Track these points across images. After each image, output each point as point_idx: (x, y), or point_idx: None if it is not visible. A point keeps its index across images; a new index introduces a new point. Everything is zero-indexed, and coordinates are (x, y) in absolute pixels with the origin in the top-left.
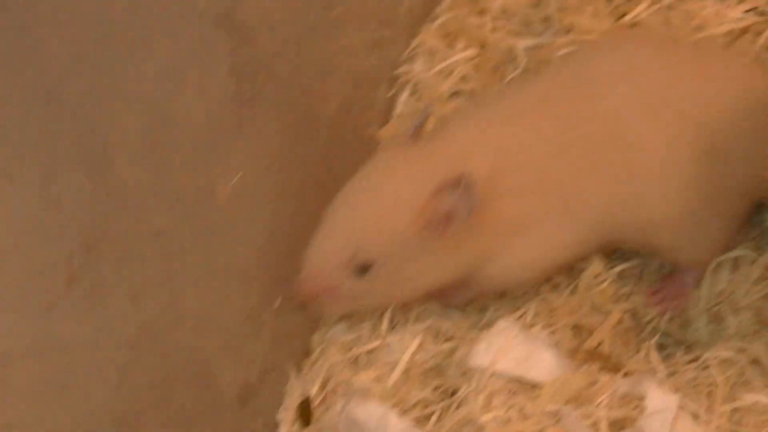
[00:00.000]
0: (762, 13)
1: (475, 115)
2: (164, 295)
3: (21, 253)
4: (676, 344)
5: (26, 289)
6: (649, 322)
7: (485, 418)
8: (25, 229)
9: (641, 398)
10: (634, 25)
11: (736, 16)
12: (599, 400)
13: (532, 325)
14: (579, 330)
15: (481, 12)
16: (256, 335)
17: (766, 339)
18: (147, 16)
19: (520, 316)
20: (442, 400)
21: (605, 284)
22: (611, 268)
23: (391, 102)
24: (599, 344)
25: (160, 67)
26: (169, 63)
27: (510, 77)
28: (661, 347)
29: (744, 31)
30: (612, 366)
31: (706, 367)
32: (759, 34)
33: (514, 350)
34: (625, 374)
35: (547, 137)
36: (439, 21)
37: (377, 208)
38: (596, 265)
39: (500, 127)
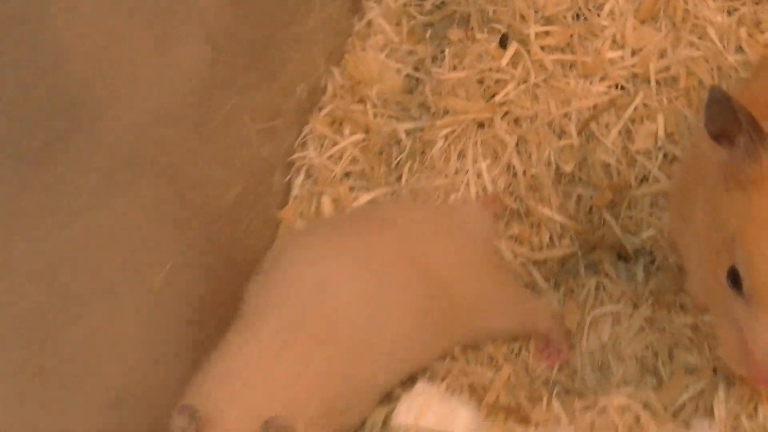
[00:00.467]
0: (623, 88)
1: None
2: None
3: None
4: (566, 393)
5: None
6: (539, 376)
7: None
8: None
9: None
10: (503, 104)
11: (600, 91)
12: None
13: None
14: (475, 389)
15: (361, 100)
16: None
17: (653, 384)
18: None
19: (428, 377)
20: None
21: (498, 342)
22: None
23: (288, 186)
24: (497, 399)
25: None
26: None
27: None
28: (560, 391)
29: (610, 104)
30: (522, 418)
31: (603, 412)
32: (623, 107)
33: (434, 408)
34: (535, 425)
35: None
36: (325, 110)
37: None
38: None
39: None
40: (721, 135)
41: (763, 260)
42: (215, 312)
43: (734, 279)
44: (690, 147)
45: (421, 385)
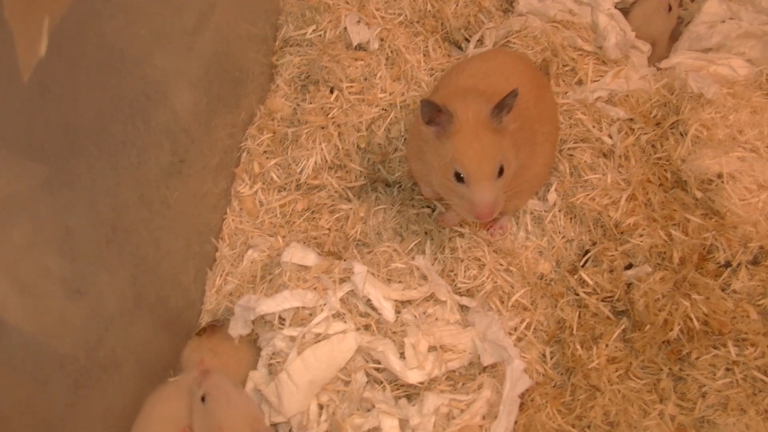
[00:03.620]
0: (385, 110)
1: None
2: None
3: None
4: (362, 245)
5: None
6: (350, 237)
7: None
8: None
9: (352, 269)
10: (332, 117)
11: (375, 111)
12: (335, 271)
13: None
14: (318, 244)
15: (272, 119)
16: None
17: (399, 240)
18: None
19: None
20: None
21: (328, 217)
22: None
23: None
24: (329, 248)
25: None
26: None
27: None
28: (359, 245)
29: (380, 116)
30: (338, 257)
31: (374, 253)
32: (385, 118)
33: (298, 253)
34: (345, 260)
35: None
36: (255, 124)
37: None
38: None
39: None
40: (429, 121)
41: (467, 162)
42: None
43: (458, 177)
44: (411, 132)
45: (293, 243)
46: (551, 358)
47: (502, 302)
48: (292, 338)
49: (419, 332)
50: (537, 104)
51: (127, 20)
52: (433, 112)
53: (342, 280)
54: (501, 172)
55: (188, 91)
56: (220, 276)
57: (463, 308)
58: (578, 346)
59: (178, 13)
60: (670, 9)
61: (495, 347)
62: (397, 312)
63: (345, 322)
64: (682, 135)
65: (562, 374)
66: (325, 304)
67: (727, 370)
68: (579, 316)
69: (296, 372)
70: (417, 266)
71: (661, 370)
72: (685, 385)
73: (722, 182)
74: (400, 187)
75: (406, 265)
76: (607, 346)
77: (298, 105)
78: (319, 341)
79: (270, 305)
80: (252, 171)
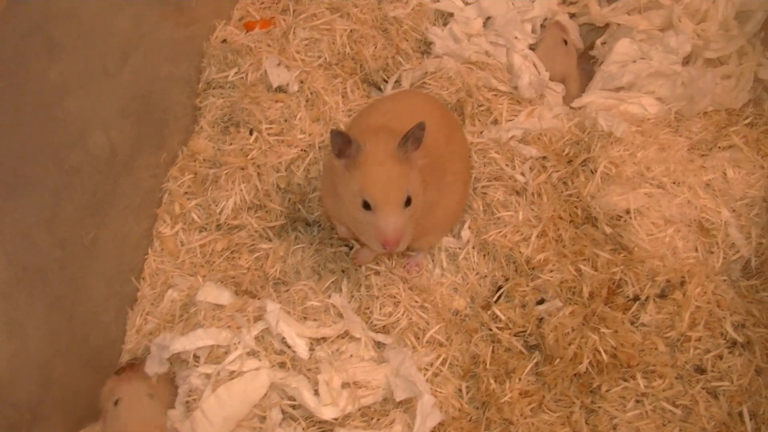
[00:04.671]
0: (304, 150)
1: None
2: None
3: None
4: (280, 284)
5: None
6: (269, 275)
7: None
8: None
9: (265, 307)
10: (252, 159)
11: (294, 152)
12: (249, 309)
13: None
14: (236, 283)
15: (194, 160)
16: None
17: (316, 278)
18: None
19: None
20: None
21: (247, 255)
22: None
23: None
24: (246, 288)
25: None
26: None
27: None
28: (278, 284)
29: (299, 157)
30: (253, 296)
31: (291, 292)
32: (304, 159)
33: (213, 292)
34: (258, 298)
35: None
36: (178, 165)
37: None
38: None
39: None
40: (339, 153)
41: (374, 190)
42: None
43: (366, 205)
44: (325, 169)
45: (208, 283)
46: (467, 393)
47: (418, 338)
48: (208, 376)
49: (332, 369)
50: (447, 143)
51: (48, 59)
52: (343, 144)
53: (256, 319)
54: (409, 202)
55: (106, 132)
56: (141, 315)
57: (379, 345)
58: (492, 381)
59: (99, 54)
60: (566, 43)
61: (407, 383)
62: (312, 349)
63: (260, 359)
64: (592, 172)
65: (477, 408)
66: (239, 342)
67: (637, 401)
68: (492, 351)
69: (210, 409)
70: (333, 304)
71: (573, 403)
72: (596, 418)
73: (630, 218)
74: (320, 226)
75: (321, 303)
76: (519, 380)
77: (220, 147)
78: (234, 378)
79: (183, 343)
80: (173, 212)
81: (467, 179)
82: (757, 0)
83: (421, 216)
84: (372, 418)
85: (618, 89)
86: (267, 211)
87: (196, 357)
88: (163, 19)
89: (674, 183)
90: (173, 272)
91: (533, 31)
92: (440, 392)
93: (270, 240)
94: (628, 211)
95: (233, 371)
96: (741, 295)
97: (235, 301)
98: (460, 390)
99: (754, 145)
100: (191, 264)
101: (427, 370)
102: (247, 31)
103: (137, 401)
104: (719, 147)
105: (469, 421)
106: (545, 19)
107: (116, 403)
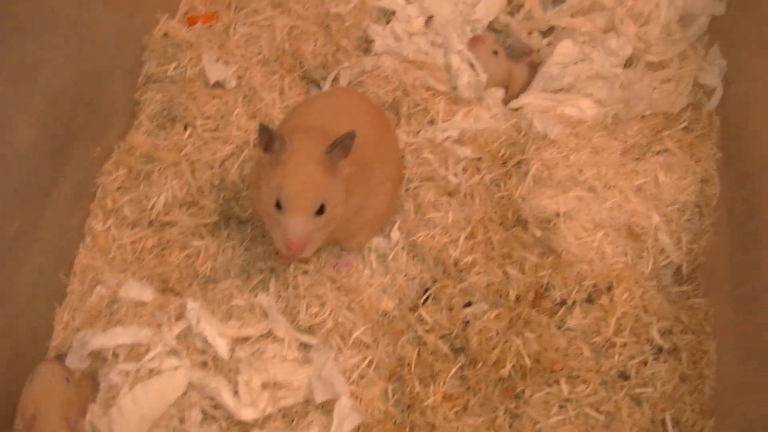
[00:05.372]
0: (239, 147)
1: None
2: None
3: None
4: (209, 282)
5: None
6: (198, 273)
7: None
8: None
9: (185, 305)
10: (185, 154)
11: (229, 149)
12: (170, 307)
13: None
14: (162, 280)
15: (131, 154)
16: None
17: (244, 278)
18: None
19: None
20: None
21: (175, 250)
22: None
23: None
24: (172, 285)
25: None
26: None
27: None
28: (209, 281)
29: (233, 154)
30: (177, 293)
31: (217, 290)
32: (238, 155)
33: (135, 290)
34: (181, 296)
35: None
36: (112, 159)
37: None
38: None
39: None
40: (266, 147)
41: (288, 191)
42: None
43: (278, 205)
44: (256, 158)
45: (130, 279)
46: (393, 396)
47: (344, 339)
48: (127, 373)
49: (252, 369)
50: (378, 143)
51: None
52: (270, 139)
53: (178, 317)
54: (323, 210)
55: (31, 124)
56: (69, 311)
57: (305, 346)
58: (417, 384)
59: (19, 41)
60: (496, 53)
61: (327, 384)
62: (233, 349)
63: (180, 358)
64: (524, 174)
65: (402, 411)
66: (159, 340)
67: (560, 407)
68: (418, 354)
69: (127, 407)
70: (258, 303)
71: (497, 407)
72: (520, 423)
73: (560, 221)
74: (253, 224)
75: (246, 303)
76: (444, 383)
77: (155, 142)
78: (152, 377)
79: (102, 340)
80: (106, 207)
81: (398, 180)
82: (701, 4)
83: (350, 217)
84: (293, 420)
85: (558, 91)
86: (200, 208)
87: (115, 354)
88: (106, 7)
89: (605, 186)
90: (103, 268)
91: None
92: (365, 394)
93: (202, 237)
94: (558, 215)
95: (152, 369)
96: (671, 301)
97: (156, 299)
98: (385, 392)
99: (687, 149)
100: (122, 260)
101: (353, 371)
102: (189, 26)
103: (51, 379)
104: (653, 151)
105: (394, 423)
106: (490, 22)
107: (31, 379)
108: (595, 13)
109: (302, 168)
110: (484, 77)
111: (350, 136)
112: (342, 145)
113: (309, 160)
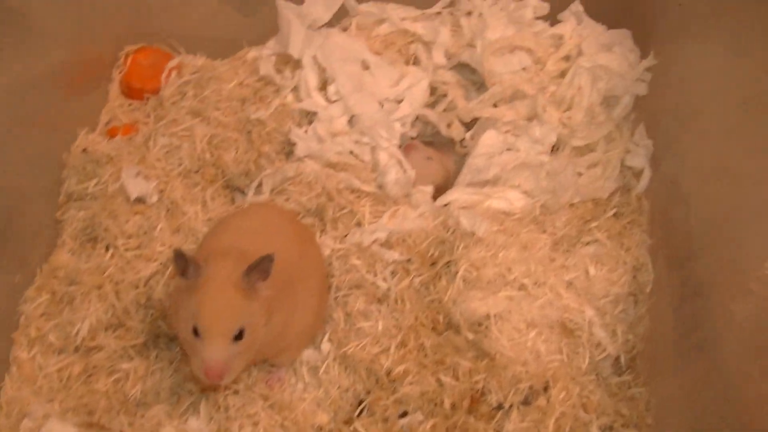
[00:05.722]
0: (163, 264)
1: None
2: None
3: None
4: (142, 405)
5: None
6: (131, 397)
7: None
8: None
9: None
10: (108, 276)
11: (154, 266)
12: None
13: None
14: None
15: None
16: None
17: (173, 401)
18: None
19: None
20: None
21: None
22: None
23: None
24: (98, 417)
25: None
26: None
27: None
28: (140, 406)
29: (158, 272)
30: (102, 427)
31: (145, 417)
32: (163, 273)
33: (56, 430)
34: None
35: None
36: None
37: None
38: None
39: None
40: (182, 273)
41: (204, 317)
42: None
43: (195, 331)
44: (173, 286)
45: (51, 419)
46: None
47: None
48: None
49: None
50: (300, 259)
51: None
52: (185, 264)
53: None
54: (241, 335)
55: None
56: None
57: None
58: None
59: None
60: (430, 158)
61: None
62: None
63: None
64: (454, 275)
65: None
66: None
67: None
68: None
69: None
70: (188, 431)
71: None
72: None
73: (491, 323)
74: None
75: (176, 430)
76: None
77: (77, 264)
78: None
79: None
80: (30, 335)
81: (324, 292)
82: (623, 85)
83: (276, 335)
84: None
85: (485, 183)
86: (127, 330)
87: None
88: (23, 127)
89: (536, 284)
90: (30, 399)
91: (402, 126)
92: None
93: (131, 359)
94: (489, 317)
95: None
96: (611, 393)
97: None
98: None
99: (617, 239)
100: (49, 389)
101: None
102: (110, 138)
103: None
104: (583, 242)
105: None
106: (415, 118)
107: None
108: (517, 101)
109: (219, 294)
110: (412, 173)
111: (269, 259)
112: (260, 269)
113: (226, 285)
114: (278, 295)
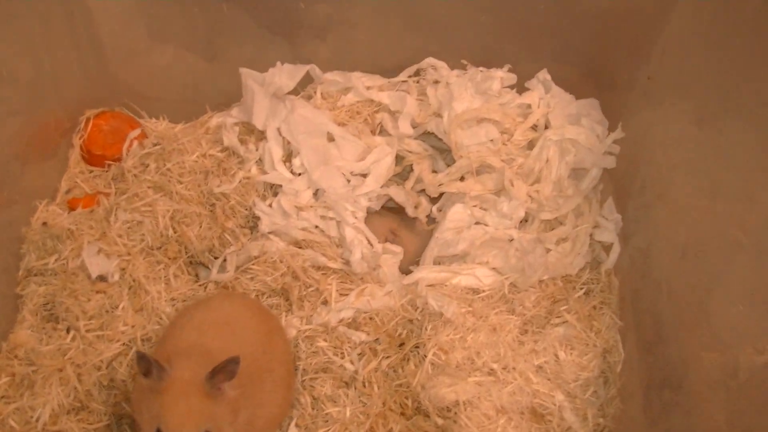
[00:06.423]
0: (125, 345)
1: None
2: None
3: None
4: None
5: None
6: None
7: None
8: None
9: None
10: (70, 358)
11: (117, 347)
12: None
13: None
14: None
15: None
16: None
17: None
18: None
19: None
20: None
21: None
22: None
23: None
24: None
25: None
26: None
27: None
28: None
29: (121, 353)
30: None
31: None
32: (127, 354)
33: None
34: None
35: None
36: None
37: None
38: None
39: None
40: (146, 373)
41: (169, 422)
42: None
43: None
44: (136, 382)
45: None
46: None
47: None
48: None
49: None
50: (265, 352)
51: None
52: (148, 366)
53: None
54: None
55: None
56: None
57: None
58: None
59: None
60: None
61: None
62: None
63: None
64: (422, 358)
65: None
66: None
67: None
68: None
69: None
70: None
71: None
72: None
73: (460, 410)
74: None
75: None
76: None
77: (37, 346)
78: None
79: None
80: None
81: (291, 381)
82: (591, 158)
83: (242, 429)
84: None
85: (453, 257)
86: (89, 412)
87: None
88: None
89: (505, 369)
90: None
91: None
92: None
93: None
94: (457, 403)
95: None
96: None
97: None
98: None
99: (586, 321)
100: None
101: None
102: (70, 210)
103: None
104: (552, 324)
105: None
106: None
107: None
108: (485, 175)
109: (182, 398)
110: (379, 248)
111: (234, 361)
112: (225, 371)
113: (189, 388)
114: (244, 391)
